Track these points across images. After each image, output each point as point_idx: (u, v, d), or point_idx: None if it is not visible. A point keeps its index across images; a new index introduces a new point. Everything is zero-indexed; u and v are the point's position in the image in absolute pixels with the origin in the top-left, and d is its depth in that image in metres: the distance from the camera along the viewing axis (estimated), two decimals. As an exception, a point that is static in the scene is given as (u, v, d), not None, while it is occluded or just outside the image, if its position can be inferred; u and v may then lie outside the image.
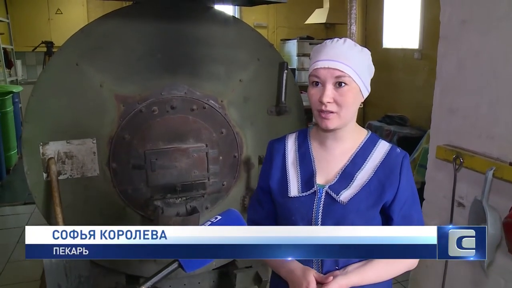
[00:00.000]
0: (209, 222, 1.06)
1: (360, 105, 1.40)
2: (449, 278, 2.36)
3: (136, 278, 2.62)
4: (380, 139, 1.45)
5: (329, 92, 1.29)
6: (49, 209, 2.34)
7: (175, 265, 1.00)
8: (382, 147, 1.42)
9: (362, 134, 1.45)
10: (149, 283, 0.96)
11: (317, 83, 1.32)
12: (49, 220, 2.36)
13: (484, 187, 2.03)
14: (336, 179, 1.38)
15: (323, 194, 1.37)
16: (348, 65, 1.29)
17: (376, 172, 1.37)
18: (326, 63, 1.29)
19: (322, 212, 1.35)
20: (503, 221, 1.95)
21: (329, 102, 1.29)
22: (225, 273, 2.88)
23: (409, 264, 1.42)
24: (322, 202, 1.36)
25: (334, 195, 1.35)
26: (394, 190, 1.36)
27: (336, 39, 1.35)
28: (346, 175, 1.38)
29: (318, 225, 1.34)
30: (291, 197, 1.40)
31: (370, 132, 1.47)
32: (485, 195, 2.03)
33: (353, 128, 1.42)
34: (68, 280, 2.17)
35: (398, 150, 1.42)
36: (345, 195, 1.35)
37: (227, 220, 1.07)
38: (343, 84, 1.30)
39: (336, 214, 1.34)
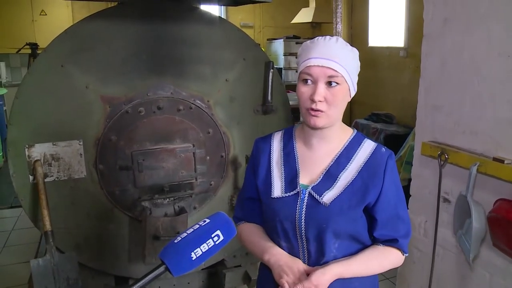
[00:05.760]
0: (197, 226, 1.05)
1: None
2: (436, 273, 2.39)
3: (125, 279, 2.62)
4: (366, 138, 1.42)
5: (321, 90, 1.27)
6: (36, 212, 2.32)
7: (161, 269, 0.98)
8: (367, 147, 1.39)
9: (347, 134, 1.42)
10: None
11: (307, 81, 1.30)
12: (36, 223, 2.35)
13: (468, 182, 2.06)
14: (319, 180, 1.36)
15: (306, 195, 1.35)
16: (342, 64, 1.27)
17: (360, 172, 1.35)
18: (319, 61, 1.27)
19: (305, 213, 1.34)
20: (487, 215, 1.98)
21: (320, 101, 1.28)
22: (214, 273, 2.89)
23: (394, 261, 1.41)
24: (305, 203, 1.35)
25: (317, 197, 1.33)
26: (377, 191, 1.34)
27: (328, 37, 1.32)
28: (330, 176, 1.36)
29: (302, 226, 1.34)
30: (274, 197, 1.39)
31: (355, 131, 1.45)
32: (470, 190, 2.06)
33: (338, 127, 1.40)
34: (56, 283, 2.15)
35: (383, 149, 1.39)
36: (328, 196, 1.33)
37: (216, 223, 1.06)
38: (334, 84, 1.28)
39: (319, 215, 1.33)
